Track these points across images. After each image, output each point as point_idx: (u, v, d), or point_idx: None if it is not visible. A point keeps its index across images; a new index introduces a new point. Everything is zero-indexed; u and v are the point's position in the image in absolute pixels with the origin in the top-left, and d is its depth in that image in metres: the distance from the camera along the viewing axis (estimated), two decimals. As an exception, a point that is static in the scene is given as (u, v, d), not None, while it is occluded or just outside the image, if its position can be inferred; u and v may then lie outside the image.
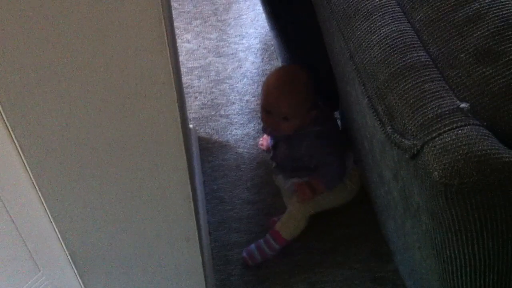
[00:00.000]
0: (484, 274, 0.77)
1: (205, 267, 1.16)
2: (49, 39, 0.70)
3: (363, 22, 0.89)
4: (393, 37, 0.84)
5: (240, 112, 1.85)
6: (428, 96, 0.76)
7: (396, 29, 0.85)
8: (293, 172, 1.52)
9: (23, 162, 0.84)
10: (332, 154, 1.43)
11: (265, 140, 1.70)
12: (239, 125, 1.81)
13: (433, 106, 0.75)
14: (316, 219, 1.51)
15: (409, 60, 0.80)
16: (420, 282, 1.13)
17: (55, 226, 0.97)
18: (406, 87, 0.78)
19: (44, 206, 0.93)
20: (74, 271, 1.07)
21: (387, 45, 0.83)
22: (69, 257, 1.03)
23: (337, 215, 1.54)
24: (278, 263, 1.47)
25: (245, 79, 1.96)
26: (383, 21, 0.88)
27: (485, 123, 0.73)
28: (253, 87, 1.93)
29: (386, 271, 1.43)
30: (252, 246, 1.48)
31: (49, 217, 0.95)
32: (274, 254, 1.47)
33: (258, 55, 2.05)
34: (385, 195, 1.07)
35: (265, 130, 1.58)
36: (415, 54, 0.81)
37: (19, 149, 0.82)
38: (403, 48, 0.82)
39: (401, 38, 0.83)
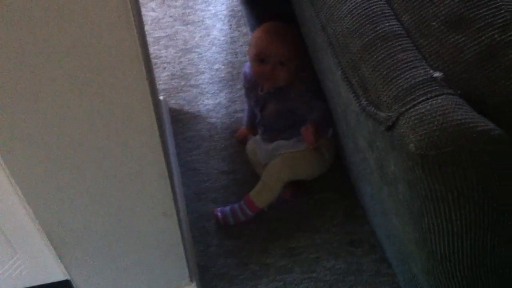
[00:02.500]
0: (461, 239, 0.79)
1: (184, 240, 1.16)
2: (16, 22, 0.68)
3: (333, -8, 0.88)
4: (364, 6, 0.83)
5: (210, 82, 1.83)
6: (401, 66, 0.75)
7: (367, -3, 0.84)
8: (280, 133, 1.51)
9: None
10: (320, 100, 1.39)
11: (241, 133, 1.68)
12: (210, 94, 1.80)
13: (406, 76, 0.74)
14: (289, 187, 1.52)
15: (381, 30, 0.79)
16: (397, 245, 1.15)
17: (28, 207, 0.95)
18: (379, 58, 0.77)
19: (15, 187, 0.92)
20: (52, 251, 1.06)
21: (358, 15, 0.82)
22: (46, 237, 1.02)
23: (310, 181, 1.55)
24: (255, 231, 1.48)
25: (213, 47, 1.93)
26: (353, -11, 0.87)
27: (459, 92, 0.73)
28: (222, 55, 1.90)
29: (362, 232, 1.45)
30: (227, 209, 1.49)
31: (21, 198, 0.93)
32: (247, 219, 1.49)
33: (225, 22, 2.01)
34: (361, 162, 1.08)
35: (247, 94, 1.56)
36: (387, 24, 0.80)
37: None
38: (374, 18, 0.81)
39: (372, 7, 0.82)
